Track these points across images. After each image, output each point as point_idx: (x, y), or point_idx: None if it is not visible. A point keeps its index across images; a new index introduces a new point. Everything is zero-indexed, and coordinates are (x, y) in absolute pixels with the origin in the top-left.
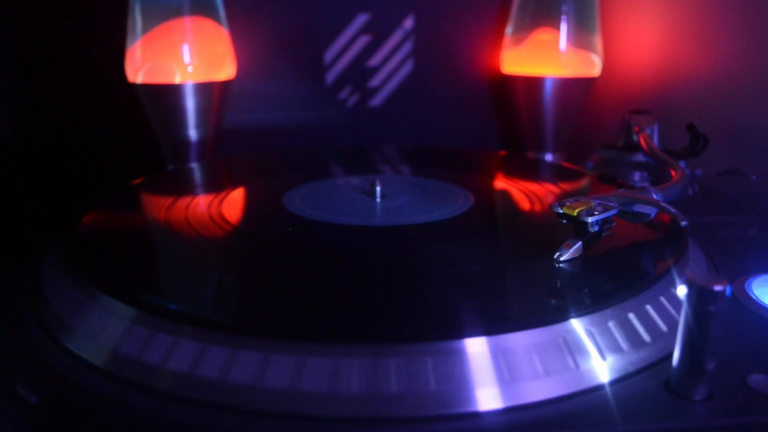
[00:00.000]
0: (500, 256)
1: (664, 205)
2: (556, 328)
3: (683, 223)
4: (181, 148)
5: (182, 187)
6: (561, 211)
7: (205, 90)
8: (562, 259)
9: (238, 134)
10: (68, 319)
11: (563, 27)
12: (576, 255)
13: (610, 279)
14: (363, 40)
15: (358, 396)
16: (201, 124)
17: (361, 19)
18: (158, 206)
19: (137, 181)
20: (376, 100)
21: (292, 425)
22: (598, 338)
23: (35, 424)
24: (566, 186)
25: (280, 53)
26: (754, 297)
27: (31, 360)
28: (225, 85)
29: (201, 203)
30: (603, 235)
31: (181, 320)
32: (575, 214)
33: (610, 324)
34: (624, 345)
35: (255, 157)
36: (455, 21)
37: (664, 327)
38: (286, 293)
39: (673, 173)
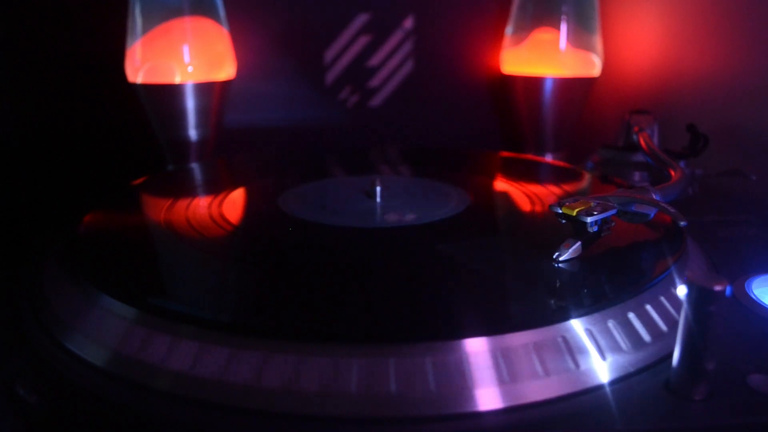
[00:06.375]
0: (500, 256)
1: (662, 204)
2: (555, 328)
3: (682, 222)
4: (181, 148)
5: (182, 187)
6: (560, 211)
7: (205, 90)
8: (561, 259)
9: (238, 134)
10: (68, 319)
11: (563, 27)
12: (575, 255)
13: (610, 279)
14: (363, 40)
15: (358, 396)
16: (201, 124)
17: (361, 19)
18: (158, 206)
19: (137, 181)
20: (376, 100)
21: (291, 425)
22: (598, 338)
23: (35, 424)
24: (566, 186)
25: (280, 53)
26: (754, 297)
27: (31, 360)
28: (225, 85)
29: (201, 203)
30: (602, 235)
31: (180, 320)
32: (574, 214)
33: (610, 324)
34: (624, 345)
35: (255, 157)
36: (455, 21)
37: (664, 327)
38: (286, 294)
39: (672, 173)
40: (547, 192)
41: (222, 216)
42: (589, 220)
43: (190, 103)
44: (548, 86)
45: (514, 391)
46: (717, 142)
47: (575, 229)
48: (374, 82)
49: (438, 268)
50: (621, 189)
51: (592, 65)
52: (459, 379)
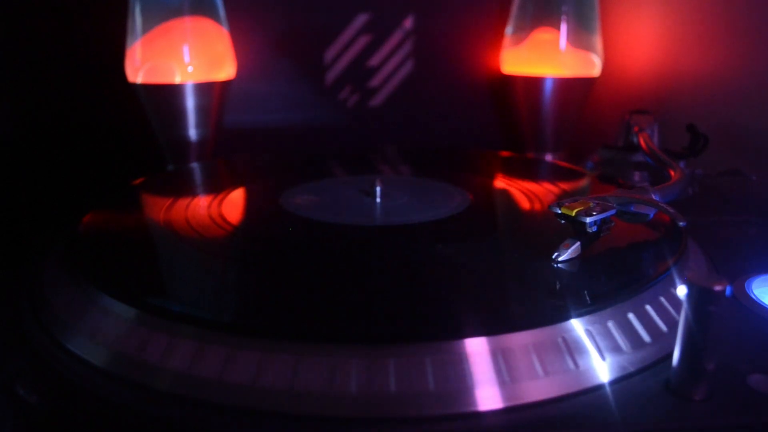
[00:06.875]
0: (500, 256)
1: (662, 205)
2: (555, 328)
3: (681, 223)
4: (181, 148)
5: (182, 187)
6: (559, 212)
7: (205, 90)
8: (560, 259)
9: (238, 134)
10: (68, 319)
11: (563, 27)
12: (574, 255)
13: (610, 279)
14: (363, 40)
15: (358, 396)
16: (201, 124)
17: (361, 19)
18: (158, 206)
19: (137, 181)
20: (376, 100)
21: (291, 425)
22: (598, 338)
23: (35, 424)
24: (566, 186)
25: (280, 53)
26: (754, 297)
27: (31, 360)
28: (225, 85)
29: (201, 203)
30: (602, 235)
31: (180, 320)
32: (573, 214)
33: (610, 324)
34: (624, 345)
35: (255, 157)
36: (455, 21)
37: (664, 327)
38: (286, 294)
39: (672, 173)
40: (547, 192)
41: (221, 216)
42: (588, 220)
43: (190, 103)
44: (548, 86)
45: (514, 391)
46: (717, 142)
47: (574, 229)
48: (374, 82)
49: (438, 268)
50: (620, 189)
51: (592, 65)
52: (459, 379)
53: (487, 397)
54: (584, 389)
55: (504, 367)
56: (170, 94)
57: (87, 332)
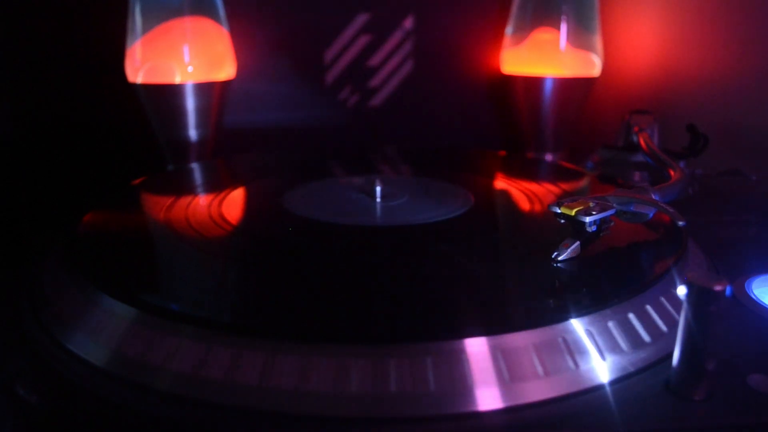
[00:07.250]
0: (500, 256)
1: (661, 204)
2: (555, 328)
3: (680, 223)
4: (181, 148)
5: (182, 187)
6: (559, 211)
7: (205, 90)
8: (560, 258)
9: (238, 134)
10: (68, 319)
11: (563, 27)
12: (574, 255)
13: (610, 279)
14: (363, 40)
15: (358, 396)
16: (201, 124)
17: (361, 19)
18: (158, 206)
19: (137, 181)
20: (376, 100)
21: (292, 425)
22: (598, 338)
23: (35, 424)
24: (566, 186)
25: (280, 53)
26: (754, 297)
27: (31, 360)
28: (225, 85)
29: (201, 203)
30: (602, 234)
31: (180, 320)
32: (573, 213)
33: (610, 324)
34: (624, 345)
35: (255, 157)
36: (455, 21)
37: (664, 327)
38: (286, 294)
39: (672, 173)
40: (547, 192)
41: (222, 216)
42: (587, 219)
43: (190, 103)
44: (548, 86)
45: (514, 391)
46: (717, 142)
47: (574, 229)
48: (374, 82)
49: (439, 268)
50: (620, 189)
51: (592, 65)
52: (459, 379)
53: (487, 397)
54: (584, 389)
55: (504, 367)
56: (170, 94)
57: (87, 332)
